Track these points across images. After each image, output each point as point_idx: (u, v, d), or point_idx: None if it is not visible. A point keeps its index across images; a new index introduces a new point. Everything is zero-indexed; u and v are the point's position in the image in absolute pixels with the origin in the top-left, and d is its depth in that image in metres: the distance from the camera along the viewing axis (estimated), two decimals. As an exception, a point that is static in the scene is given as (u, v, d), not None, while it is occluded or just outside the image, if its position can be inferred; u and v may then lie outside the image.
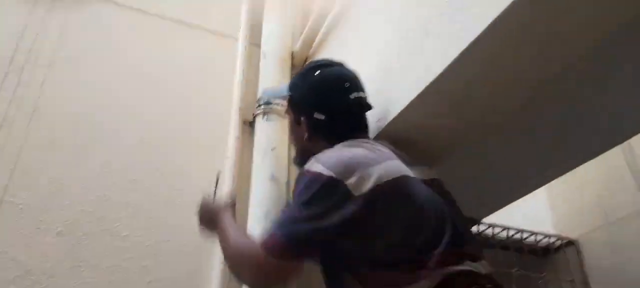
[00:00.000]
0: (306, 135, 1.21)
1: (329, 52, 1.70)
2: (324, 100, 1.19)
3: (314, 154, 1.09)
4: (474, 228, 2.13)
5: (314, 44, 1.80)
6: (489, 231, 2.25)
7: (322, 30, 1.75)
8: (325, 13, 1.69)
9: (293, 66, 1.86)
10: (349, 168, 0.96)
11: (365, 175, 0.95)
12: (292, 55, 1.86)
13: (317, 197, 0.95)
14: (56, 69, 1.64)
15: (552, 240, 2.38)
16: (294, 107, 1.30)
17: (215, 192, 1.41)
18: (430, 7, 1.15)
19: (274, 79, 1.78)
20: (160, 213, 1.54)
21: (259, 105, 1.71)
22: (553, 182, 1.79)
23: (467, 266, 0.92)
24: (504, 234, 2.29)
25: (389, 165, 1.00)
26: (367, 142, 1.12)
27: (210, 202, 1.32)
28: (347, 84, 1.19)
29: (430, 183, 1.08)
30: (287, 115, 1.41)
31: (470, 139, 1.28)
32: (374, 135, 1.29)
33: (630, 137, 1.52)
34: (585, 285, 2.28)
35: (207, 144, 1.72)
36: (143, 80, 1.75)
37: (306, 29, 1.79)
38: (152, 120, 1.69)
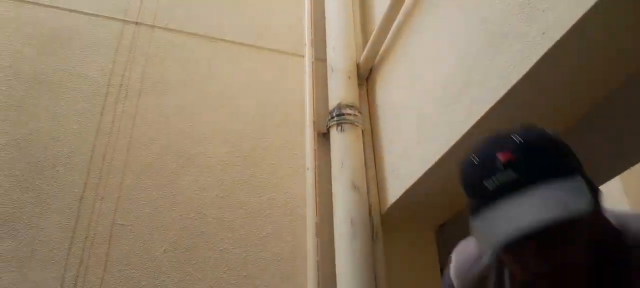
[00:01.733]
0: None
1: (395, 61, 1.76)
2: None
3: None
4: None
5: (379, 53, 1.87)
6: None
7: (387, 40, 1.81)
8: (389, 22, 1.75)
9: (359, 76, 1.93)
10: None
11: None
12: (358, 66, 1.94)
13: None
14: (145, 100, 1.78)
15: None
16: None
17: None
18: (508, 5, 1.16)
19: (343, 90, 1.85)
20: (252, 225, 1.64)
21: (332, 118, 1.79)
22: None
23: None
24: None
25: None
26: None
27: None
28: None
29: None
30: None
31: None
32: (456, 133, 1.31)
33: None
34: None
35: (286, 156, 1.82)
36: (222, 102, 1.87)
37: (370, 40, 1.85)
38: (234, 139, 1.80)
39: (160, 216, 1.58)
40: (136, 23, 1.94)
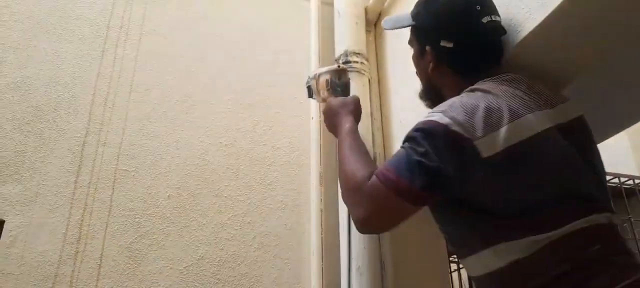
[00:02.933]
0: (431, 65, 1.09)
1: (405, 3, 1.68)
2: (452, 26, 1.06)
3: (440, 88, 1.04)
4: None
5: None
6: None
7: (397, -18, 1.73)
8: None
9: (367, 22, 1.86)
10: (478, 124, 0.87)
11: (495, 135, 0.86)
12: (366, 11, 1.86)
13: (447, 156, 0.86)
14: (146, 43, 1.73)
15: (638, 181, 2.31)
16: (418, 37, 1.16)
17: (335, 83, 1.32)
18: None
19: (350, 36, 1.78)
20: (257, 172, 1.63)
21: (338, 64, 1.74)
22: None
23: (593, 220, 0.85)
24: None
25: (520, 123, 0.88)
26: (497, 85, 0.97)
27: (334, 102, 1.26)
28: (478, 7, 1.04)
29: (571, 127, 0.96)
30: (412, 48, 1.23)
31: (593, 68, 1.15)
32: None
33: None
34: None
35: (291, 104, 1.79)
36: (226, 47, 1.82)
37: (380, -18, 1.77)
38: (239, 85, 1.76)
39: (163, 162, 1.57)
40: (136, -38, 1.86)
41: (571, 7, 0.96)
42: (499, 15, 1.07)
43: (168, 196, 1.52)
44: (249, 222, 1.54)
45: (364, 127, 1.65)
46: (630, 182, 2.32)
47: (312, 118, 1.74)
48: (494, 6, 1.07)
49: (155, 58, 1.71)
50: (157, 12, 1.80)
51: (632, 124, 1.61)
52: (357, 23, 1.82)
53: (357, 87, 1.71)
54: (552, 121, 0.93)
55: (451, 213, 0.98)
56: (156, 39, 1.75)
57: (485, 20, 1.03)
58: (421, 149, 0.88)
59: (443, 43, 1.05)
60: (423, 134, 0.89)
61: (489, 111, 0.88)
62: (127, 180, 1.51)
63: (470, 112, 0.88)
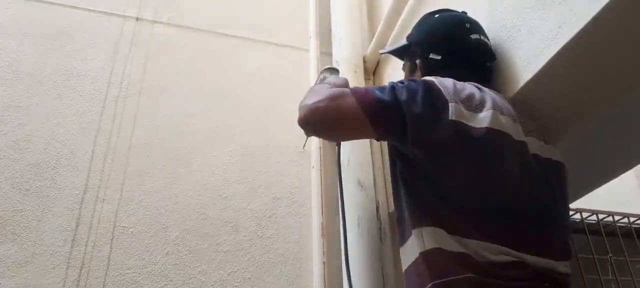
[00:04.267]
0: (419, 76, 1.10)
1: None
2: (441, 40, 1.12)
3: None
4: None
5: (387, 45, 1.80)
6: (577, 216, 2.16)
7: (394, 32, 1.75)
8: (397, 14, 1.69)
9: (366, 70, 1.88)
10: (461, 96, 0.91)
11: (472, 110, 0.89)
12: (364, 60, 1.88)
13: (421, 95, 0.90)
14: (146, 98, 1.74)
15: (648, 221, 2.25)
16: (410, 55, 1.20)
17: None
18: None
19: (349, 84, 1.79)
20: (257, 226, 1.60)
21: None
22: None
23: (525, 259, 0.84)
24: (593, 218, 2.19)
25: (497, 116, 0.91)
26: (489, 90, 1.00)
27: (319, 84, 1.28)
28: (467, 25, 1.10)
29: (545, 162, 0.97)
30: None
31: (587, 115, 1.15)
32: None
33: None
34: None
35: (291, 154, 1.78)
36: (225, 99, 1.82)
37: (377, 31, 1.79)
38: (238, 137, 1.76)
39: (162, 218, 1.54)
40: (137, 19, 1.90)
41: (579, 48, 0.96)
42: (488, 39, 1.12)
43: (167, 252, 1.49)
44: (249, 278, 1.50)
45: (365, 174, 1.63)
46: (640, 221, 2.26)
47: (313, 167, 1.72)
48: (484, 32, 1.12)
49: (154, 113, 1.72)
50: (157, 67, 1.82)
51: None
52: (356, 71, 1.83)
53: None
54: (530, 145, 0.95)
55: (403, 184, 0.99)
56: (156, 94, 1.76)
57: (473, 37, 1.09)
58: (400, 85, 0.93)
59: (432, 55, 1.11)
60: (407, 82, 0.95)
61: (473, 96, 0.93)
62: (126, 237, 1.49)
63: (459, 87, 0.93)
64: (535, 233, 0.88)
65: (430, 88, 0.92)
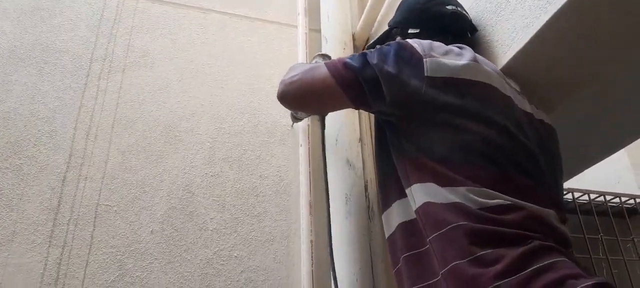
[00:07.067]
0: None
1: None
2: (417, 14, 1.15)
3: None
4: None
5: (376, 23, 1.77)
6: (569, 196, 2.16)
7: (384, 7, 1.71)
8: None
9: (355, 47, 1.84)
10: (438, 50, 0.92)
11: (446, 63, 0.89)
12: (353, 37, 1.84)
13: (393, 55, 0.92)
14: (129, 74, 1.70)
15: (639, 200, 2.25)
16: (391, 36, 1.23)
17: None
18: None
19: (338, 61, 1.76)
20: (244, 204, 1.57)
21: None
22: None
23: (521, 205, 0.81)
24: (585, 198, 2.18)
25: (482, 69, 0.91)
26: (471, 51, 0.98)
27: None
28: None
29: (538, 122, 0.96)
30: None
31: (579, 86, 1.13)
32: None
33: None
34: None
35: (279, 131, 1.74)
36: (211, 76, 1.78)
37: (366, 8, 1.75)
38: (225, 114, 1.72)
39: (147, 196, 1.51)
40: (120, -7, 1.84)
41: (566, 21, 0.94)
42: (467, 13, 1.14)
43: (151, 231, 1.46)
44: (236, 256, 1.48)
45: (354, 153, 1.61)
46: (632, 201, 2.26)
47: (301, 145, 1.69)
48: (462, 5, 1.15)
49: (138, 89, 1.68)
50: (141, 43, 1.77)
51: (633, 141, 1.56)
52: (344, 49, 1.79)
53: (346, 112, 1.67)
54: (519, 102, 0.94)
55: (391, 148, 0.98)
56: (140, 70, 1.72)
57: (449, 7, 1.11)
58: (371, 50, 0.97)
59: (411, 30, 1.14)
60: (379, 46, 0.97)
61: (452, 50, 0.93)
62: (109, 215, 1.46)
63: (435, 45, 0.94)
64: (525, 180, 0.85)
65: (402, 46, 0.93)
